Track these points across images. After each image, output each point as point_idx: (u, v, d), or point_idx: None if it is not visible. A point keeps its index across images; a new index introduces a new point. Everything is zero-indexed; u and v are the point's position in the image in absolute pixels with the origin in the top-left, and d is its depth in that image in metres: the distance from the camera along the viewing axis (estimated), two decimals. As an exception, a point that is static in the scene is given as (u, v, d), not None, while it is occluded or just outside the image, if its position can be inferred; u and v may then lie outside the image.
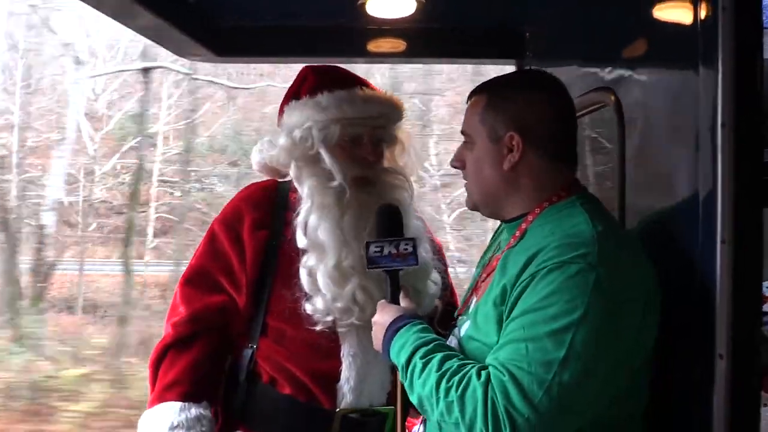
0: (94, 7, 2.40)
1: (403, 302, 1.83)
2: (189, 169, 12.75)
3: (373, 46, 3.09)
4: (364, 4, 2.63)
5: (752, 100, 1.56)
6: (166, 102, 13.48)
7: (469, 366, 1.54)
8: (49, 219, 10.98)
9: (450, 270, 2.43)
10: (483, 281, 1.80)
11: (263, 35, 3.05)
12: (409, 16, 2.73)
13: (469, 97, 1.80)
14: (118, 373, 8.70)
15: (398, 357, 1.67)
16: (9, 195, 11.43)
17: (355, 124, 2.11)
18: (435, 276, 2.22)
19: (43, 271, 10.86)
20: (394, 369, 1.70)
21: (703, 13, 1.61)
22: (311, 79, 2.20)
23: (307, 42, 3.03)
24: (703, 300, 1.58)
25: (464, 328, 1.75)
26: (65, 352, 9.36)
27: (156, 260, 12.82)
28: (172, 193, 13.31)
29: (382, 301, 1.85)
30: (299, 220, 2.09)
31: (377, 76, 10.64)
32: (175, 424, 2.03)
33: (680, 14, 1.74)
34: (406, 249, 1.86)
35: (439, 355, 1.59)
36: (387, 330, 1.74)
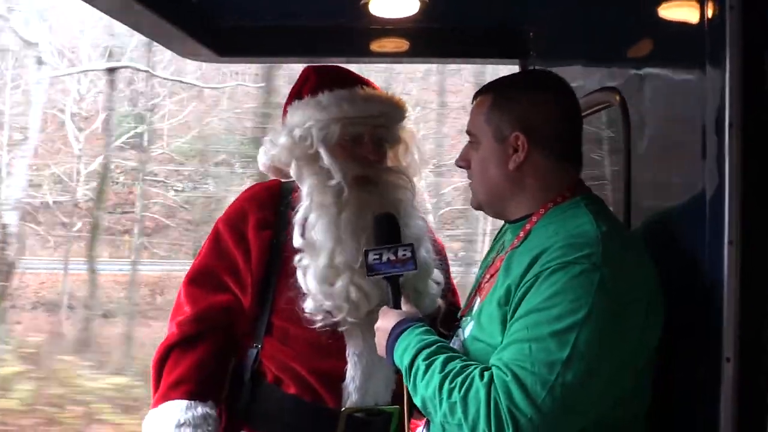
0: (94, 6, 2.39)
1: (405, 307, 1.83)
2: (173, 169, 12.75)
3: (375, 46, 3.08)
4: (366, 3, 2.62)
5: (760, 100, 1.55)
6: (150, 103, 13.47)
7: (472, 367, 1.54)
8: (11, 218, 10.96)
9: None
10: (486, 282, 1.80)
11: (265, 35, 3.04)
12: (412, 15, 2.73)
13: (475, 97, 1.80)
14: (49, 372, 8.76)
15: (401, 360, 1.67)
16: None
17: (355, 123, 2.11)
18: (437, 276, 2.21)
19: (3, 270, 10.89)
20: (398, 368, 1.71)
21: (710, 12, 1.60)
22: (313, 78, 2.21)
23: (309, 42, 3.03)
24: (709, 301, 1.57)
25: (468, 329, 1.75)
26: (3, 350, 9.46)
27: (144, 260, 12.84)
28: (158, 193, 13.32)
29: (384, 307, 1.85)
30: (297, 218, 2.09)
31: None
32: (182, 421, 2.02)
33: (687, 13, 1.73)
34: (405, 255, 1.87)
35: (441, 357, 1.59)
36: (390, 335, 1.74)
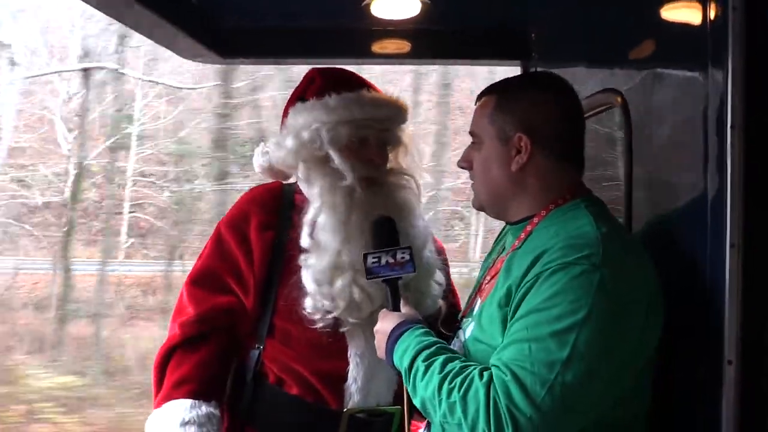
0: (95, 7, 2.39)
1: (404, 309, 1.83)
2: (161, 169, 12.75)
3: (376, 47, 3.08)
4: (368, 5, 2.62)
5: (762, 101, 1.54)
6: (135, 104, 13.45)
7: (472, 367, 1.54)
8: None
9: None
10: (487, 283, 1.81)
11: (267, 36, 3.04)
12: (414, 17, 2.73)
13: (478, 99, 1.81)
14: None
15: (401, 362, 1.67)
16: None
17: (362, 125, 2.12)
18: (438, 277, 2.22)
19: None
20: (399, 370, 1.71)
21: (712, 14, 1.60)
22: (318, 80, 2.21)
23: (311, 43, 3.03)
24: (710, 303, 1.57)
25: (468, 330, 1.75)
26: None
27: (130, 260, 12.85)
28: (145, 195, 13.31)
29: (384, 309, 1.85)
30: (307, 219, 2.10)
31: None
32: (186, 420, 2.02)
33: (689, 14, 1.72)
34: (403, 257, 1.88)
35: (441, 358, 1.59)
36: (389, 337, 1.74)
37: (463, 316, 1.88)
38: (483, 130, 1.75)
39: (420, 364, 1.60)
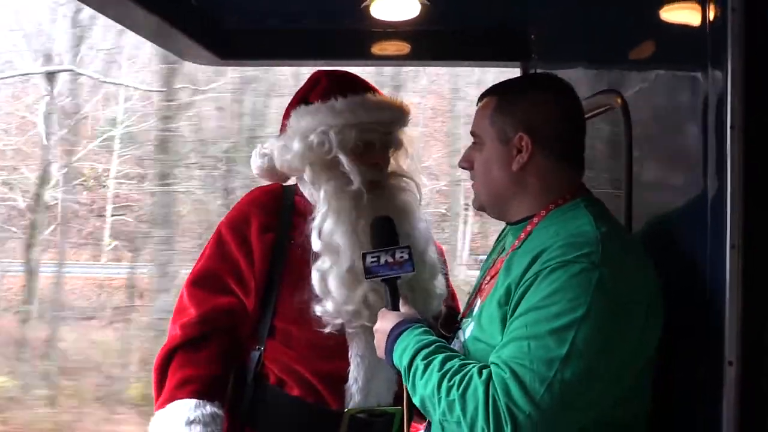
0: (95, 9, 2.39)
1: (403, 308, 1.84)
2: (140, 172, 12.72)
3: (376, 48, 3.08)
4: (368, 6, 2.62)
5: (762, 102, 1.54)
6: (119, 107, 13.41)
7: (471, 365, 1.55)
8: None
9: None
10: (487, 283, 1.81)
11: (267, 38, 3.04)
12: (414, 18, 2.72)
13: (479, 100, 1.82)
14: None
15: (400, 361, 1.68)
16: None
17: (369, 129, 2.12)
18: (441, 278, 2.22)
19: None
20: (399, 369, 1.71)
21: (712, 15, 1.60)
22: (324, 83, 2.21)
23: (311, 44, 3.03)
24: (711, 305, 1.57)
25: (468, 330, 1.76)
26: None
27: (115, 262, 12.84)
28: (126, 197, 13.28)
29: (383, 309, 1.85)
30: (315, 224, 2.10)
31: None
32: (192, 419, 2.01)
33: (689, 15, 1.72)
34: (402, 257, 1.87)
35: (440, 356, 1.60)
36: (388, 336, 1.74)
37: (462, 317, 1.89)
38: (484, 130, 1.76)
39: (419, 363, 1.60)
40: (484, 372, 1.50)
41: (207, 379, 2.07)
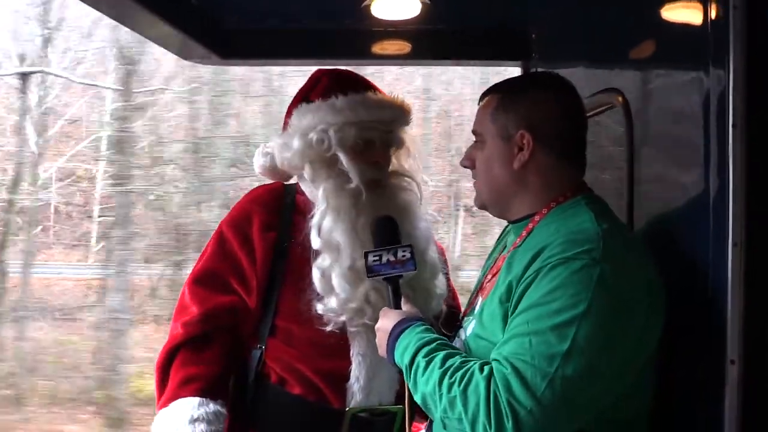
0: (96, 8, 2.39)
1: (405, 307, 1.84)
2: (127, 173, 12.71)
3: (377, 48, 3.08)
4: (368, 5, 2.61)
5: (763, 100, 1.54)
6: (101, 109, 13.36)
7: (472, 362, 1.55)
8: None
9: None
10: (488, 282, 1.82)
11: (267, 38, 3.04)
12: (414, 17, 2.72)
13: (481, 98, 1.83)
14: None
15: (402, 358, 1.68)
16: None
17: (369, 127, 2.12)
18: (441, 278, 2.22)
19: None
20: (400, 368, 1.72)
21: (713, 13, 1.60)
22: (325, 81, 2.21)
23: (312, 44, 3.03)
24: (713, 303, 1.57)
25: (470, 328, 1.76)
26: None
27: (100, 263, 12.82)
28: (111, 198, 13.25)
29: (385, 307, 1.86)
30: (314, 222, 2.09)
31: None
32: (195, 417, 2.01)
33: (690, 13, 1.72)
34: (404, 255, 1.88)
35: (441, 353, 1.60)
36: (390, 335, 1.75)
37: (464, 316, 1.89)
38: (485, 128, 1.77)
39: (421, 360, 1.61)
40: (486, 368, 1.50)
41: (210, 378, 2.07)
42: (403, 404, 1.86)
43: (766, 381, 1.56)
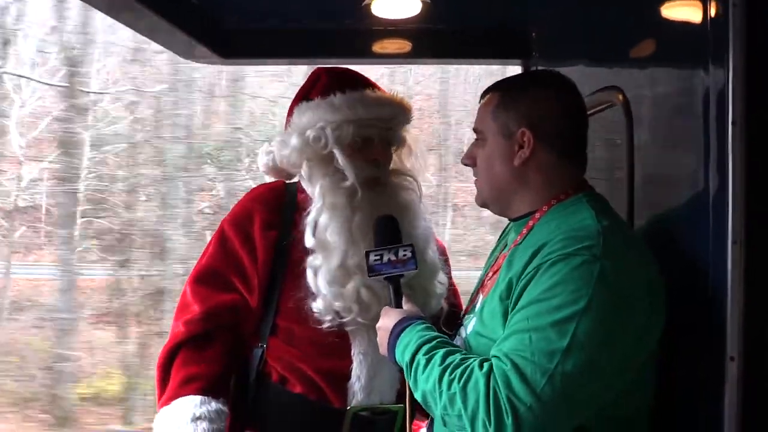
0: (96, 7, 2.39)
1: (406, 306, 1.84)
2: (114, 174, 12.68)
3: (377, 47, 3.08)
4: (369, 5, 2.62)
5: (763, 98, 1.54)
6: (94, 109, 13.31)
7: (472, 359, 1.55)
8: None
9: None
10: (489, 279, 1.82)
11: (268, 37, 3.04)
12: (415, 16, 2.72)
13: (482, 96, 1.83)
14: None
15: (402, 357, 1.68)
16: None
17: (367, 125, 2.12)
18: (442, 277, 2.22)
19: None
20: (401, 367, 1.72)
21: (713, 11, 1.60)
22: (324, 79, 2.21)
23: (312, 43, 3.03)
24: (713, 300, 1.57)
25: (470, 326, 1.76)
26: None
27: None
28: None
29: (386, 306, 1.86)
30: (309, 219, 2.10)
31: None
32: (197, 415, 2.01)
33: (690, 12, 1.72)
34: (405, 255, 1.88)
35: (441, 351, 1.60)
36: (391, 333, 1.75)
37: (465, 314, 1.89)
38: (486, 126, 1.77)
39: (421, 358, 1.61)
40: (485, 365, 1.51)
41: (212, 377, 2.07)
42: (404, 403, 1.86)
43: (766, 378, 1.56)
